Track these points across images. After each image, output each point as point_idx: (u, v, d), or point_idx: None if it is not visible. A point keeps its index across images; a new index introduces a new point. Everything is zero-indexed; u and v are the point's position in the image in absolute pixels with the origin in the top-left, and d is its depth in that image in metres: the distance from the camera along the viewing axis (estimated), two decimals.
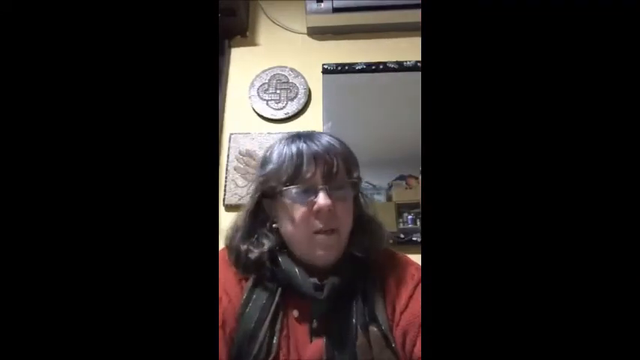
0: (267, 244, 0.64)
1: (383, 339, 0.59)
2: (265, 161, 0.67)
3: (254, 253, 0.63)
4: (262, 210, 0.67)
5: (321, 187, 0.61)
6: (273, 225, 0.66)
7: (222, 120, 1.54)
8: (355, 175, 0.66)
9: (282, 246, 0.65)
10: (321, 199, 0.60)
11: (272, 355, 0.58)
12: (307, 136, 0.66)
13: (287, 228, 0.64)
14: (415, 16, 1.48)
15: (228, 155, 1.47)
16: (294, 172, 0.62)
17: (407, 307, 0.62)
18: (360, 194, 0.70)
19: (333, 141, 0.65)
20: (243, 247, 0.64)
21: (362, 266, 0.65)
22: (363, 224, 0.68)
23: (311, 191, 0.61)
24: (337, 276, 0.62)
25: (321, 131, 0.70)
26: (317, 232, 0.61)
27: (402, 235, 1.32)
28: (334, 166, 0.62)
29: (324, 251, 0.62)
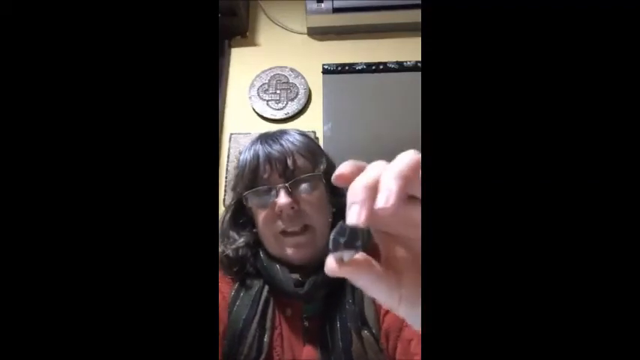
0: (242, 239, 0.64)
1: (375, 343, 0.57)
2: (236, 167, 0.67)
3: (230, 250, 0.63)
4: (243, 215, 0.67)
5: (279, 186, 0.60)
6: (254, 230, 0.66)
7: (222, 120, 1.54)
8: (322, 167, 0.64)
9: (260, 243, 0.65)
10: (281, 198, 0.59)
11: (263, 354, 0.57)
12: (267, 137, 0.65)
13: (259, 230, 0.64)
14: (415, 16, 1.48)
15: (228, 155, 1.47)
16: (252, 175, 0.61)
17: None
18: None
19: (292, 139, 0.64)
20: (219, 248, 0.64)
21: None
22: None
23: (272, 192, 0.60)
24: (319, 273, 0.60)
25: (293, 129, 0.69)
26: (283, 233, 0.60)
27: None
28: (289, 163, 0.61)
29: (293, 250, 0.61)
